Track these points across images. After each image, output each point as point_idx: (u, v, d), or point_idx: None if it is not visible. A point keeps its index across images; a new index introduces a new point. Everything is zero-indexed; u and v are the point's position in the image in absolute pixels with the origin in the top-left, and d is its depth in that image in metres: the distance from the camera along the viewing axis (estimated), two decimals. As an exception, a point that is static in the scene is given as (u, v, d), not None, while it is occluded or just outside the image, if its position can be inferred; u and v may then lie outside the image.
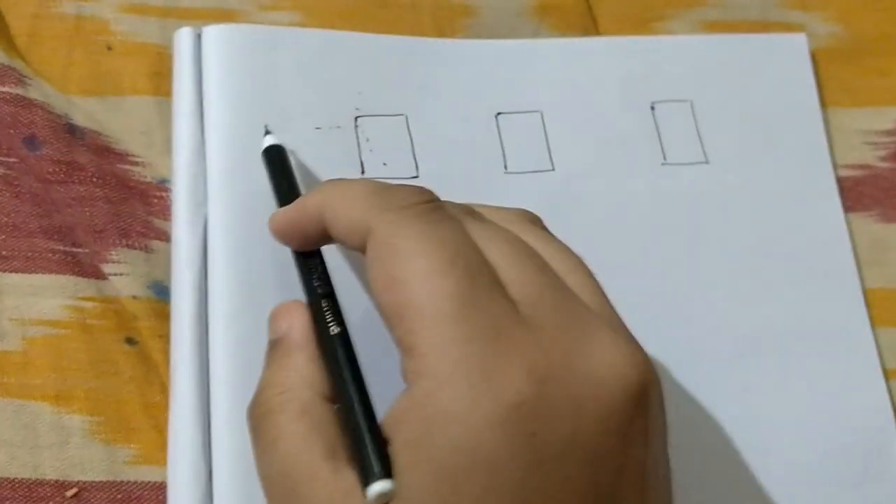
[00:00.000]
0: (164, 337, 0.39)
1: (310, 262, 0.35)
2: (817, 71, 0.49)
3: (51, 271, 0.39)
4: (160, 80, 0.44)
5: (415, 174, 0.42)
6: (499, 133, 0.44)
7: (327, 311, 0.33)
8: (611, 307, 0.31)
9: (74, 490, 0.37)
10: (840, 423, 0.42)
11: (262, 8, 0.47)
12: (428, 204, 0.31)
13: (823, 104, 0.48)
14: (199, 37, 0.42)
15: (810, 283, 0.44)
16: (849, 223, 0.46)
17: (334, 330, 0.33)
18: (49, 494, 0.36)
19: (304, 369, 0.32)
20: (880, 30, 0.51)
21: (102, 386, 0.38)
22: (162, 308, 0.40)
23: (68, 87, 0.44)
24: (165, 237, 0.41)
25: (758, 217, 0.45)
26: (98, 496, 0.37)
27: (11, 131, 0.42)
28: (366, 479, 0.28)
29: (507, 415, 0.27)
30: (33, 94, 0.42)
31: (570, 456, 0.27)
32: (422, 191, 0.32)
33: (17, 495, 0.36)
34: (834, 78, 0.49)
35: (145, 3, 0.46)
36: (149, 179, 0.43)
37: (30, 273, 0.39)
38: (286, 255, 0.39)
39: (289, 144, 0.41)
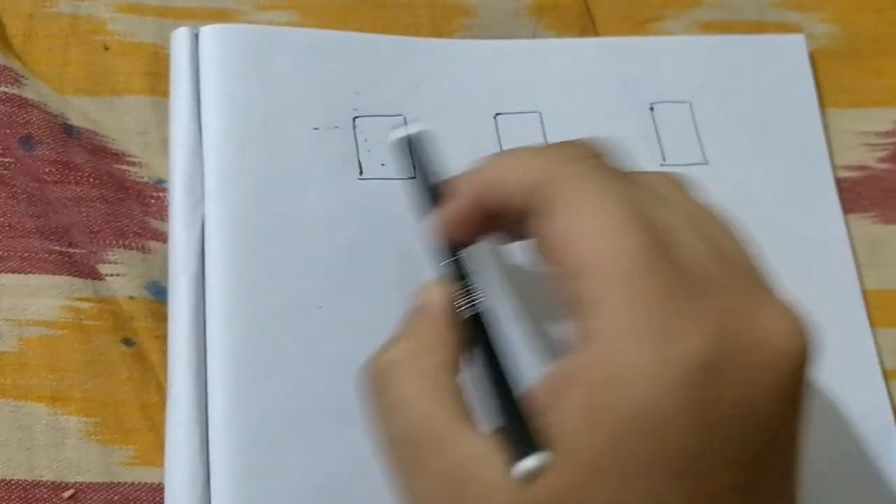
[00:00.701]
0: (161, 337, 0.39)
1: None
2: (815, 72, 0.49)
3: (47, 272, 0.39)
4: (157, 80, 0.44)
5: (412, 174, 0.42)
6: (497, 134, 0.44)
7: (470, 287, 0.33)
8: (765, 273, 0.31)
9: (71, 491, 0.36)
10: (839, 423, 0.42)
11: (259, 8, 0.47)
12: (601, 158, 0.31)
13: (822, 105, 0.48)
14: (196, 37, 0.42)
15: (809, 285, 0.44)
16: (847, 224, 0.46)
17: (479, 303, 0.32)
18: (45, 496, 0.36)
19: (437, 336, 0.31)
20: (878, 30, 0.51)
21: (99, 387, 0.38)
22: (159, 309, 0.40)
23: (64, 87, 0.43)
24: (162, 238, 0.41)
25: (756, 218, 0.44)
26: (95, 497, 0.37)
27: (7, 131, 0.41)
28: (521, 450, 0.27)
29: (689, 379, 0.26)
30: (29, 93, 0.42)
31: (745, 422, 0.27)
32: (590, 144, 0.32)
33: (13, 497, 0.36)
34: (832, 79, 0.49)
35: (142, 2, 0.46)
36: (145, 180, 0.42)
37: (26, 273, 0.39)
38: (283, 256, 0.39)
39: (286, 144, 0.41)
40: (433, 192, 0.36)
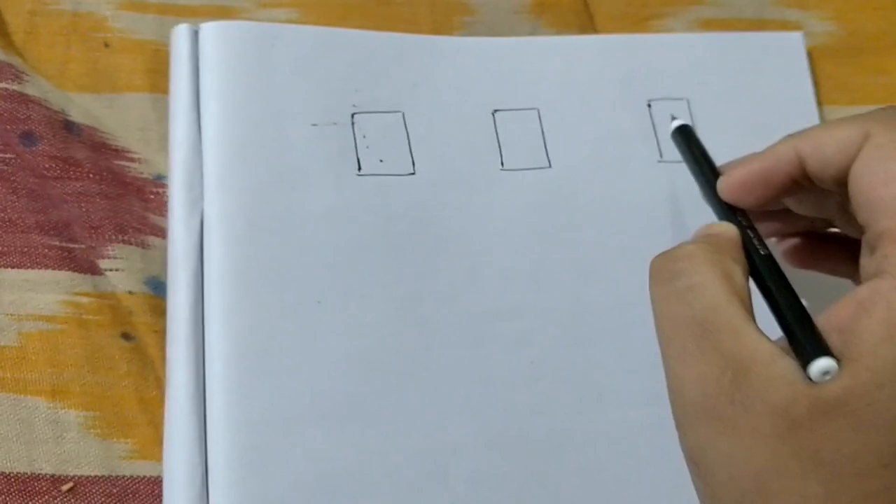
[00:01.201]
0: (161, 332, 0.39)
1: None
2: (814, 69, 0.49)
3: (47, 267, 0.40)
4: (157, 77, 0.44)
5: (411, 171, 0.43)
6: (495, 130, 0.44)
7: (754, 238, 0.35)
8: None
9: (70, 484, 0.37)
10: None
11: (259, 5, 0.47)
12: None
13: (820, 102, 0.48)
14: (196, 34, 0.42)
15: (807, 283, 0.44)
16: (845, 221, 0.46)
17: (763, 251, 0.35)
18: (45, 489, 0.36)
19: (734, 248, 0.34)
20: (877, 28, 0.51)
21: (98, 381, 0.38)
22: (158, 304, 0.40)
23: (65, 84, 0.44)
24: (162, 233, 0.41)
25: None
26: (94, 491, 0.37)
27: (8, 127, 0.42)
28: (815, 352, 0.29)
29: None
30: (30, 90, 0.43)
31: None
32: None
33: (12, 489, 0.36)
34: (830, 76, 0.49)
35: (142, 0, 0.46)
36: (145, 176, 0.43)
37: (26, 268, 0.39)
38: (282, 252, 0.39)
39: (285, 141, 0.41)
40: (712, 171, 0.39)
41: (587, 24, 0.49)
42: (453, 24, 0.48)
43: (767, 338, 0.30)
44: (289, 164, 0.41)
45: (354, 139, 0.42)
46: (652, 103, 0.46)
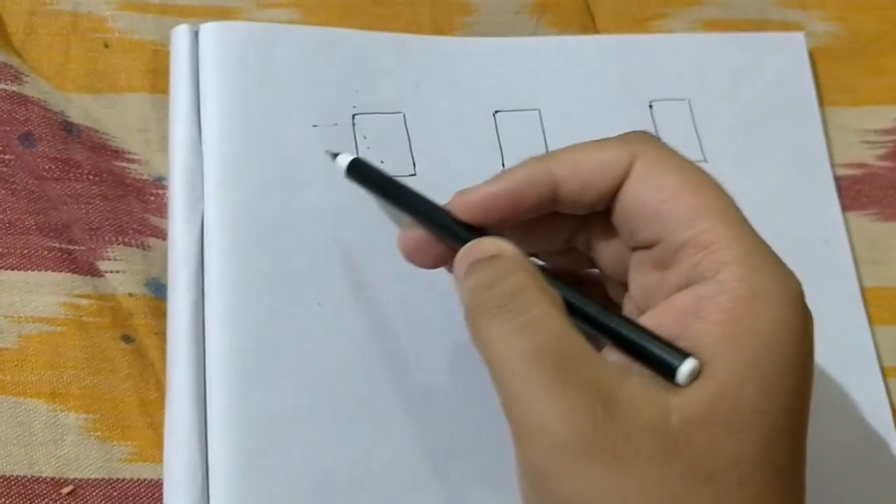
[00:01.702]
0: (161, 334, 0.39)
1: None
2: (815, 70, 0.49)
3: (47, 269, 0.39)
4: (157, 78, 0.44)
5: (412, 172, 0.42)
6: (496, 131, 0.44)
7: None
8: None
9: (70, 487, 0.37)
10: (838, 421, 0.42)
11: (259, 5, 0.47)
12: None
13: (821, 103, 0.48)
14: (196, 34, 0.42)
15: (808, 282, 0.44)
16: (846, 222, 0.46)
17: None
18: (45, 492, 0.36)
19: (538, 273, 0.32)
20: (878, 28, 0.51)
21: (98, 383, 0.38)
22: (158, 305, 0.40)
23: (65, 85, 0.44)
24: (162, 235, 0.41)
25: (755, 216, 0.44)
26: (94, 494, 0.37)
27: (7, 128, 0.41)
28: (671, 360, 0.29)
29: (800, 297, 0.30)
30: (29, 91, 0.42)
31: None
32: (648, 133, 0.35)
33: (12, 492, 0.36)
34: (832, 77, 0.49)
35: (142, 0, 0.46)
36: (145, 177, 0.43)
37: (26, 270, 0.39)
38: (282, 253, 0.39)
39: (286, 141, 0.41)
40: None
41: (588, 24, 0.49)
42: (454, 24, 0.48)
43: (610, 360, 0.30)
44: (289, 165, 0.41)
45: (355, 140, 0.42)
46: (653, 104, 0.46)
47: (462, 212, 0.34)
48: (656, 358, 0.29)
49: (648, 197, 0.32)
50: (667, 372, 0.29)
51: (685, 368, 0.28)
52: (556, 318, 0.30)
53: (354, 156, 0.39)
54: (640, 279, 0.33)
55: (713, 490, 0.28)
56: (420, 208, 0.36)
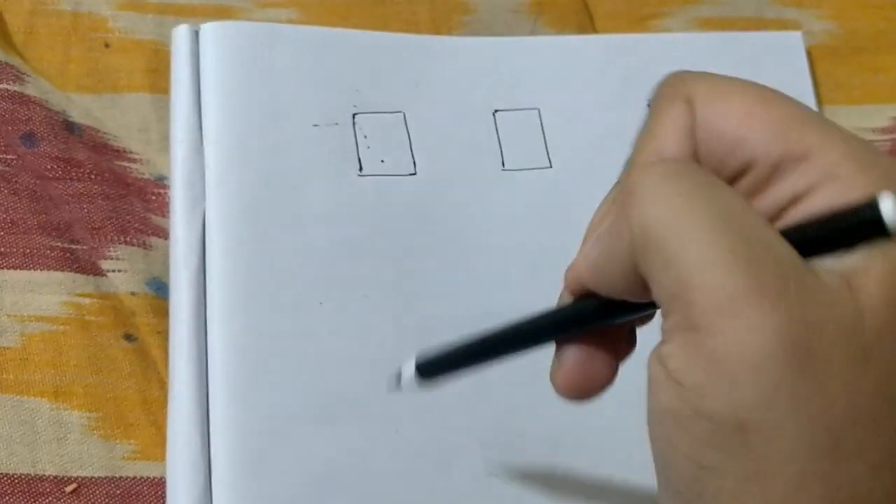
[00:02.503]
0: (163, 333, 0.39)
1: None
2: (813, 68, 0.49)
3: (49, 268, 0.39)
4: (157, 77, 0.44)
5: (412, 171, 0.43)
6: (496, 130, 0.44)
7: None
8: None
9: (73, 486, 0.37)
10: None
11: (259, 5, 0.47)
12: None
13: (819, 102, 0.48)
14: (196, 34, 0.42)
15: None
16: (845, 220, 0.46)
17: None
18: (48, 490, 0.36)
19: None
20: (875, 27, 0.51)
21: (101, 382, 0.38)
22: (160, 304, 0.40)
23: (66, 84, 0.44)
24: (163, 234, 0.41)
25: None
26: (97, 492, 0.37)
27: (9, 128, 0.42)
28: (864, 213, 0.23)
29: None
30: (31, 90, 0.42)
31: None
32: None
33: (16, 490, 0.36)
34: (829, 75, 0.49)
35: (142, 0, 0.46)
36: (146, 176, 0.43)
37: (28, 269, 0.39)
38: (283, 252, 0.39)
39: (286, 141, 0.41)
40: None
41: (586, 23, 0.49)
42: (453, 23, 0.48)
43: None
44: (290, 165, 0.41)
45: (356, 139, 0.42)
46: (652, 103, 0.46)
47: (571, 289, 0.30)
48: (843, 220, 0.24)
49: (723, 125, 0.27)
50: (863, 230, 0.23)
51: (889, 206, 0.23)
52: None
53: (414, 360, 0.33)
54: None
55: None
56: (536, 331, 0.31)
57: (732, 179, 0.27)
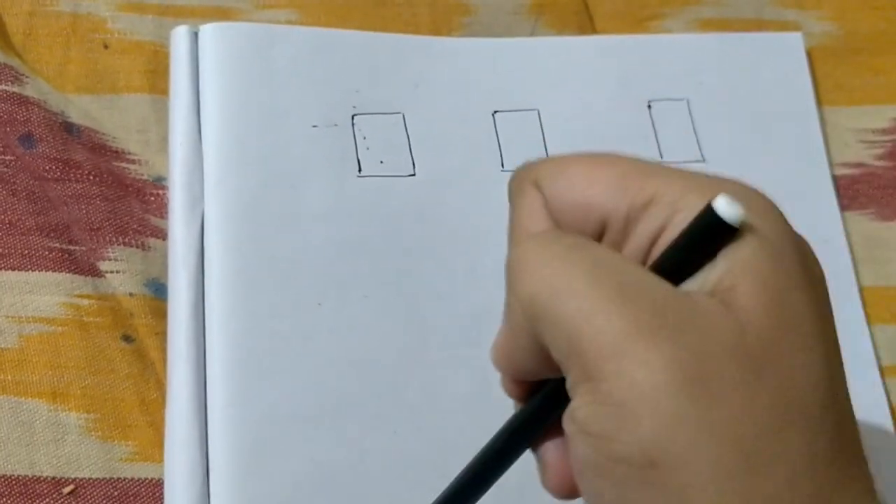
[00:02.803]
0: (161, 334, 0.39)
1: None
2: (813, 69, 0.49)
3: (47, 269, 0.39)
4: (156, 78, 0.44)
5: (412, 172, 0.43)
6: (496, 131, 0.44)
7: None
8: None
9: (71, 487, 0.37)
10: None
11: (258, 6, 0.47)
12: None
13: (819, 103, 0.48)
14: (195, 35, 0.42)
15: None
16: (844, 221, 0.46)
17: None
18: (46, 491, 0.36)
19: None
20: (876, 28, 0.51)
21: (99, 383, 0.38)
22: (159, 305, 0.40)
23: (65, 85, 0.44)
24: (162, 235, 0.41)
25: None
26: (95, 493, 0.37)
27: (7, 129, 0.42)
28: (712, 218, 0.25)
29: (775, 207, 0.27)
30: (29, 91, 0.42)
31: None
32: None
33: (13, 492, 0.36)
34: (829, 76, 0.49)
35: (142, 1, 0.46)
36: (145, 177, 0.43)
37: (26, 271, 0.39)
38: (282, 253, 0.39)
39: (285, 142, 0.41)
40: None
41: (586, 24, 0.49)
42: (452, 24, 0.48)
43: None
44: (289, 166, 0.41)
45: (355, 140, 0.42)
46: (652, 104, 0.46)
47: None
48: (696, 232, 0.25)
49: (569, 198, 0.28)
50: (715, 231, 0.24)
51: (723, 203, 0.24)
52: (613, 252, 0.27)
53: None
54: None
55: (803, 421, 0.24)
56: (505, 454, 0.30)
57: (597, 240, 0.28)
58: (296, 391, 0.38)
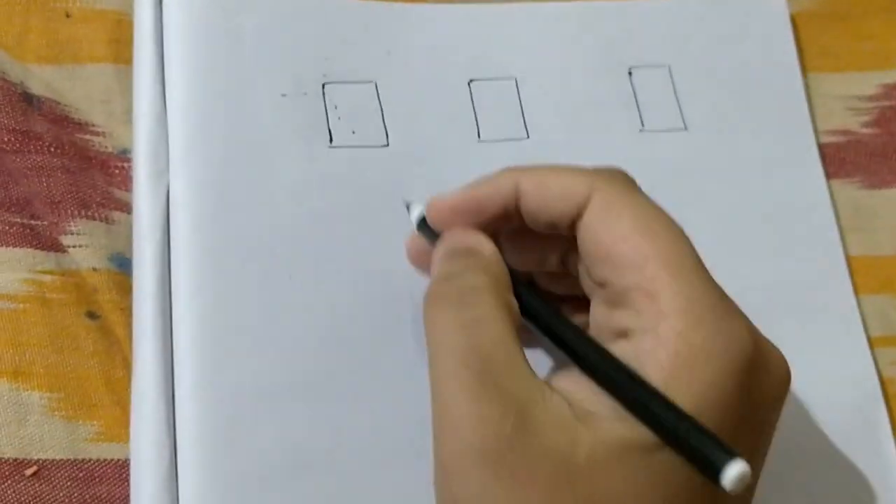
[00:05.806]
0: (126, 310, 0.38)
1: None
2: (797, 35, 0.48)
3: (7, 244, 0.38)
4: (120, 48, 0.43)
5: (385, 143, 0.41)
6: (472, 100, 0.43)
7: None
8: None
9: (34, 468, 0.36)
10: (825, 392, 0.41)
11: (227, -26, 0.46)
12: (633, 184, 0.35)
13: (804, 69, 0.47)
14: (160, 2, 0.41)
15: (792, 251, 0.43)
16: (831, 190, 0.45)
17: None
18: (7, 473, 0.35)
19: (506, 276, 0.33)
20: (862, -9, 0.50)
21: (62, 361, 0.37)
22: (123, 280, 0.39)
23: (25, 56, 0.42)
24: (127, 208, 0.40)
25: (738, 184, 0.44)
26: (59, 475, 0.36)
27: (-35, 100, 0.40)
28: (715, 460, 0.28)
29: (743, 362, 0.30)
30: (-12, 62, 0.41)
31: (762, 419, 0.31)
32: (623, 171, 0.35)
33: (-28, 473, 0.35)
34: (815, 42, 0.48)
35: (105, -31, 0.45)
36: (109, 149, 0.41)
37: (-14, 246, 0.38)
38: (251, 226, 0.38)
39: (253, 111, 0.40)
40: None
41: (566, -10, 0.48)
42: (428, -8, 0.47)
43: (537, 376, 0.31)
44: (258, 136, 0.40)
45: (325, 110, 0.41)
46: (633, 70, 0.45)
47: (433, 215, 0.35)
48: (694, 450, 0.28)
49: (601, 236, 0.32)
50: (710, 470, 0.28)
51: (733, 472, 0.27)
52: (499, 323, 0.31)
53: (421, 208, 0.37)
54: (596, 312, 0.33)
55: None
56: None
57: (597, 283, 0.32)
58: (266, 368, 0.37)
